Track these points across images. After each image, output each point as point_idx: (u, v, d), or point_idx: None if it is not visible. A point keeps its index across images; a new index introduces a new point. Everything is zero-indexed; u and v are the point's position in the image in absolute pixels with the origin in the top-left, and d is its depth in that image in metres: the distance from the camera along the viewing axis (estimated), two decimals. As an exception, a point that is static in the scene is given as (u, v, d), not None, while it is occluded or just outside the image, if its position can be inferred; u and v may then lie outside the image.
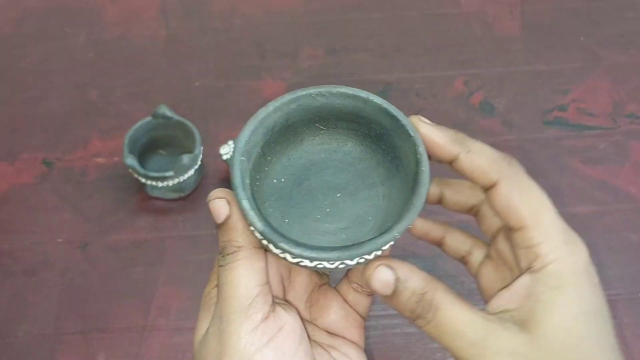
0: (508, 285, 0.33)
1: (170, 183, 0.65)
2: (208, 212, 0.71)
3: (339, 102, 0.34)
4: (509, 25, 0.82)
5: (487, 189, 0.33)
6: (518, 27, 0.82)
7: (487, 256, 0.38)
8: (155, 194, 0.67)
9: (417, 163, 0.32)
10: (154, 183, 0.65)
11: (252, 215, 0.31)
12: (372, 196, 0.35)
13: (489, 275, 0.37)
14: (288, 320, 0.33)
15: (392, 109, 0.34)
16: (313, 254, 0.30)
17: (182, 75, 0.78)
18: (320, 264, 0.31)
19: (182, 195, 0.68)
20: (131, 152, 0.65)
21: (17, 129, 0.74)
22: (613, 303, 0.63)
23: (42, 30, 0.82)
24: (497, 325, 0.31)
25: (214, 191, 0.35)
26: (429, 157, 0.33)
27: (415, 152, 0.32)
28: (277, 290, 0.36)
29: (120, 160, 0.71)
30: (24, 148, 0.73)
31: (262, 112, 0.33)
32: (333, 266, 0.31)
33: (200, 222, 0.68)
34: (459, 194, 0.38)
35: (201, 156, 0.67)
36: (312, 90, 0.34)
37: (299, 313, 0.35)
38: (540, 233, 0.31)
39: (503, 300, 0.32)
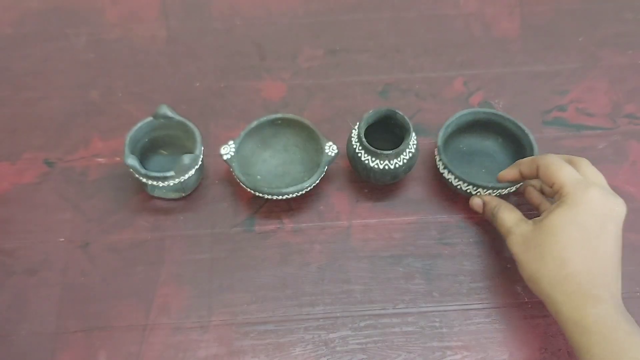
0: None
1: (171, 183, 0.65)
2: (208, 212, 0.72)
3: None
4: (508, 26, 0.82)
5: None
6: (517, 27, 0.82)
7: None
8: (156, 193, 0.68)
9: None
10: (154, 183, 0.65)
11: None
12: None
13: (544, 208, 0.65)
14: None
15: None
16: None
17: (183, 75, 0.78)
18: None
19: (183, 195, 0.68)
20: (132, 152, 0.66)
21: (18, 129, 0.74)
22: (611, 302, 0.63)
23: (43, 31, 0.82)
24: (523, 221, 0.59)
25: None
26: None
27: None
28: None
29: (121, 160, 0.71)
30: (25, 148, 0.73)
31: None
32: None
33: (201, 222, 0.68)
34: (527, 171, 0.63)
35: (202, 156, 0.67)
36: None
37: None
38: (561, 185, 0.56)
39: (541, 213, 0.62)
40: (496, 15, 0.83)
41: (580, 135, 0.74)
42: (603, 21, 0.82)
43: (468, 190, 0.65)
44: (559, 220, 0.55)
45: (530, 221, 0.58)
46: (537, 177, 0.60)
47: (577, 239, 0.54)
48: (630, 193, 0.70)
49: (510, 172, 0.62)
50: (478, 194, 0.65)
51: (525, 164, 0.60)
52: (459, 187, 0.65)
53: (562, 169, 0.56)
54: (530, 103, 0.76)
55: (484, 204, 0.64)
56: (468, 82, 0.78)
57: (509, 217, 0.60)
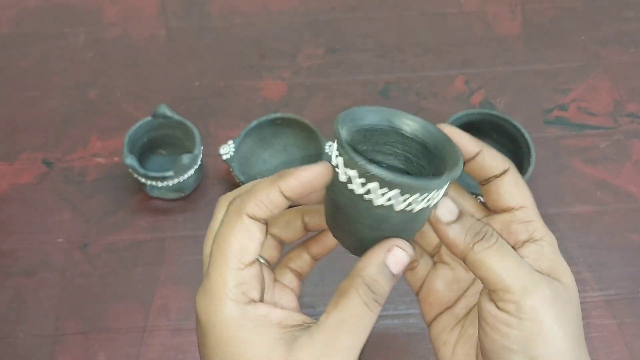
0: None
1: (170, 183, 0.65)
2: (207, 212, 0.71)
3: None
4: (510, 25, 0.82)
5: (496, 177, 0.38)
6: (518, 26, 0.82)
7: (439, 262, 0.43)
8: (155, 194, 0.67)
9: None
10: (153, 183, 0.65)
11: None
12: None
13: (444, 277, 0.42)
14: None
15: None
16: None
17: (182, 74, 0.78)
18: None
19: (182, 195, 0.68)
20: (131, 152, 0.65)
21: (16, 129, 0.74)
22: (614, 303, 0.63)
23: (41, 30, 0.82)
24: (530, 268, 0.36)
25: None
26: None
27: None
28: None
29: (120, 160, 0.71)
30: (24, 148, 0.73)
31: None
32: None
33: (200, 222, 0.68)
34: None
35: (201, 156, 0.67)
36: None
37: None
38: (534, 212, 0.38)
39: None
40: (497, 13, 0.83)
41: (581, 134, 0.73)
42: (605, 19, 0.82)
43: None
44: (571, 278, 0.38)
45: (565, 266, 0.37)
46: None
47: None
48: (632, 193, 0.69)
49: (470, 138, 0.39)
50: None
51: (494, 153, 0.39)
52: None
53: (530, 194, 0.39)
54: (532, 102, 0.75)
55: (460, 216, 0.37)
56: (469, 81, 0.77)
57: (513, 252, 0.36)
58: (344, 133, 0.34)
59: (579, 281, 0.64)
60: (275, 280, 0.41)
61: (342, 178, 0.34)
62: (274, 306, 0.36)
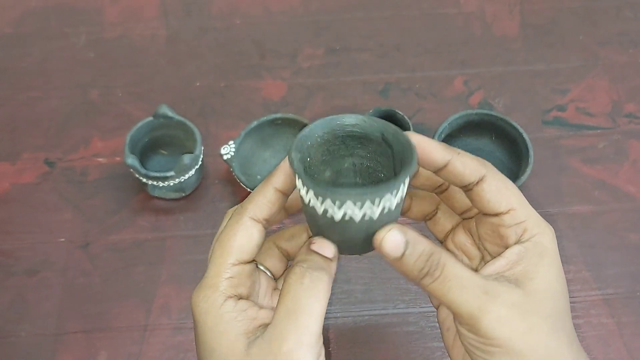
0: (498, 256, 0.38)
1: (171, 183, 0.65)
2: (208, 212, 0.72)
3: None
4: (508, 25, 0.82)
5: (474, 184, 0.38)
6: (517, 26, 0.82)
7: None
8: (156, 193, 0.67)
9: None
10: (155, 183, 0.65)
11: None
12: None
13: None
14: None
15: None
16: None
17: (183, 75, 0.78)
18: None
19: (183, 195, 0.68)
20: (132, 152, 0.66)
21: (18, 129, 0.74)
22: (612, 302, 0.63)
23: (42, 30, 0.82)
24: (494, 282, 0.36)
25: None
26: (424, 166, 0.38)
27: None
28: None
29: (121, 160, 0.71)
30: (25, 148, 0.73)
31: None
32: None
33: (201, 222, 0.68)
34: (422, 203, 0.44)
35: (202, 156, 0.67)
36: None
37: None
38: (525, 212, 0.38)
39: (495, 267, 0.38)
40: (496, 13, 0.83)
41: (580, 134, 0.74)
42: (604, 20, 0.82)
43: None
44: (554, 279, 0.38)
45: (506, 282, 0.37)
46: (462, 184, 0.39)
47: (567, 297, 0.39)
48: (631, 192, 0.69)
49: (439, 147, 0.37)
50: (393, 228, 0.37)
51: (468, 161, 0.38)
52: None
53: (518, 194, 0.39)
54: (531, 102, 0.76)
55: (409, 245, 0.36)
56: (468, 81, 0.77)
57: (467, 275, 0.36)
58: (295, 157, 0.36)
59: (578, 280, 0.64)
60: (275, 288, 0.42)
61: (305, 200, 0.36)
62: (257, 305, 0.38)
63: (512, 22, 0.82)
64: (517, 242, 0.38)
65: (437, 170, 0.38)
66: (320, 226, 0.37)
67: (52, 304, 0.63)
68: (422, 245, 0.36)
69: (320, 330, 0.36)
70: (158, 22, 0.83)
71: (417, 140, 0.37)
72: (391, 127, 0.38)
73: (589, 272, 0.65)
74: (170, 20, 0.83)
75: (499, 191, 0.38)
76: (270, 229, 0.41)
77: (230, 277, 0.37)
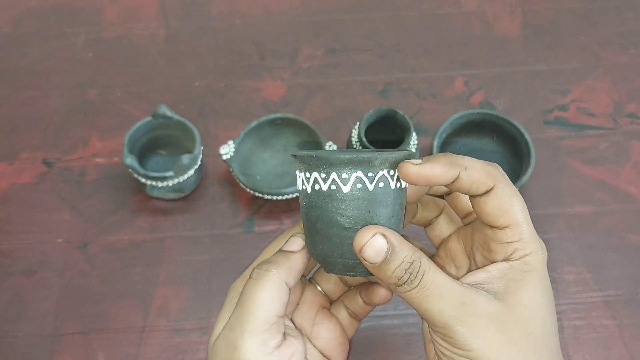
0: (481, 268, 0.38)
1: (170, 183, 0.65)
2: (207, 213, 0.72)
3: None
4: (509, 26, 0.82)
5: (479, 195, 0.37)
6: (518, 27, 0.82)
7: (435, 256, 0.43)
8: (154, 194, 0.67)
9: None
10: (153, 183, 0.65)
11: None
12: None
13: None
14: (297, 349, 0.38)
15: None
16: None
17: (182, 75, 0.78)
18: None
19: (182, 195, 0.68)
20: (131, 152, 0.65)
21: (16, 129, 0.74)
22: (613, 303, 0.63)
23: (41, 30, 0.82)
24: (474, 292, 0.36)
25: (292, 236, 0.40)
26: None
27: None
28: (290, 309, 0.41)
29: (119, 160, 0.71)
30: (24, 148, 0.73)
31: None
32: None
33: (200, 223, 0.67)
34: (426, 209, 0.43)
35: (201, 156, 0.67)
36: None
37: (303, 332, 0.41)
38: (521, 231, 0.37)
39: (476, 278, 0.37)
40: (497, 14, 0.83)
41: (581, 135, 0.73)
42: (604, 20, 0.82)
43: None
44: (538, 297, 0.37)
45: (485, 293, 0.36)
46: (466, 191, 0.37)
47: (554, 317, 0.38)
48: (632, 193, 0.69)
49: (442, 169, 0.36)
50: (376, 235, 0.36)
51: (475, 174, 0.36)
52: None
53: (520, 211, 0.37)
54: (531, 103, 0.76)
55: (391, 251, 0.35)
56: (469, 82, 0.77)
57: (446, 283, 0.36)
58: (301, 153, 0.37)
59: (579, 281, 0.64)
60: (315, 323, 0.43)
61: (300, 187, 0.37)
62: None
63: (513, 23, 0.82)
64: (504, 260, 0.37)
65: (447, 186, 0.37)
66: (316, 216, 0.37)
67: (49, 305, 0.63)
68: (404, 253, 0.35)
69: (273, 319, 0.36)
70: (157, 22, 0.82)
71: (422, 170, 0.35)
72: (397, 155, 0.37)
73: (590, 274, 0.64)
74: (170, 20, 0.83)
75: (500, 207, 0.36)
76: None
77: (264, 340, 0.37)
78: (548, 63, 0.79)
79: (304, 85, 0.77)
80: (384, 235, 0.35)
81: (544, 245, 0.38)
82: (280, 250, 0.39)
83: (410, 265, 0.35)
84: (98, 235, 0.67)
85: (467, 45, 0.80)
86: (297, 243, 0.39)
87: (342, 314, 0.43)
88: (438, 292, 0.35)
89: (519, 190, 0.65)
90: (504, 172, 0.37)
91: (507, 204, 0.36)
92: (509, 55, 0.79)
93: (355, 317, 0.44)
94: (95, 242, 0.66)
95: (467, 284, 0.37)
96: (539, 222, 0.67)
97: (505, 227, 0.36)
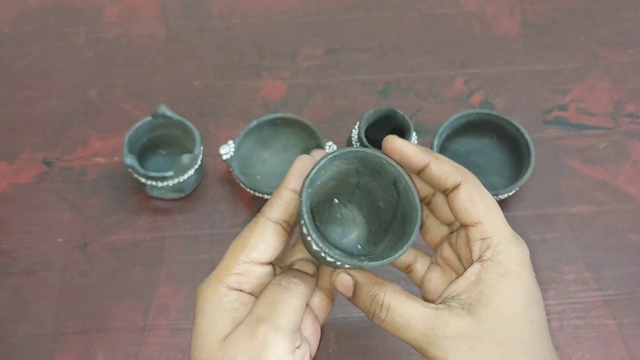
0: (460, 275, 0.39)
1: (170, 183, 0.65)
2: (207, 212, 0.72)
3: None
4: (509, 25, 0.82)
5: (450, 191, 0.39)
6: (517, 26, 0.82)
7: (434, 263, 0.44)
8: (155, 194, 0.67)
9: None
10: (153, 183, 0.65)
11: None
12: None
13: (437, 279, 0.43)
14: (306, 350, 0.40)
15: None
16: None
17: (182, 74, 0.78)
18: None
19: (182, 195, 0.68)
20: (131, 151, 0.65)
21: (16, 129, 0.74)
22: (613, 303, 0.63)
23: (41, 30, 0.82)
24: (445, 313, 0.37)
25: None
26: (403, 166, 0.40)
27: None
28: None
29: (119, 160, 0.71)
30: (24, 148, 0.73)
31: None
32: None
33: (200, 222, 0.68)
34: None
35: (201, 156, 0.67)
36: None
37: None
38: (493, 228, 0.37)
39: (455, 287, 0.38)
40: (497, 14, 0.83)
41: (581, 135, 0.73)
42: (604, 20, 0.82)
43: None
44: (515, 304, 0.36)
45: (459, 310, 0.37)
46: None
47: (539, 325, 0.38)
48: (631, 193, 0.69)
49: (417, 150, 0.39)
50: (347, 267, 0.40)
51: (445, 166, 0.39)
52: None
53: (492, 207, 0.38)
54: (531, 102, 0.76)
55: (356, 286, 0.40)
56: (468, 82, 0.77)
57: (413, 313, 0.38)
58: (305, 196, 0.38)
59: (578, 281, 0.64)
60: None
61: (304, 231, 0.39)
62: (256, 301, 0.39)
63: (512, 23, 0.82)
64: (479, 259, 0.37)
65: (417, 173, 0.40)
66: (313, 254, 0.40)
67: (50, 304, 0.63)
68: (366, 288, 0.39)
69: (297, 327, 0.38)
70: (157, 22, 0.82)
71: (399, 144, 0.39)
72: (405, 180, 0.40)
73: (590, 273, 0.64)
74: (170, 20, 0.83)
75: (470, 201, 0.38)
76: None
77: (238, 274, 0.38)
78: (548, 63, 0.79)
79: (303, 85, 0.77)
80: (348, 273, 0.40)
81: (523, 243, 0.38)
82: (298, 270, 0.42)
83: (373, 300, 0.39)
84: (98, 235, 0.67)
85: (466, 45, 0.80)
86: (309, 267, 0.42)
87: (314, 299, 0.44)
88: (406, 323, 0.37)
89: (519, 190, 0.66)
90: (473, 174, 0.40)
91: (475, 198, 0.38)
92: (508, 55, 0.80)
93: (330, 295, 0.44)
94: (95, 241, 0.67)
95: (447, 295, 0.38)
96: (538, 222, 0.67)
97: (477, 223, 0.38)
